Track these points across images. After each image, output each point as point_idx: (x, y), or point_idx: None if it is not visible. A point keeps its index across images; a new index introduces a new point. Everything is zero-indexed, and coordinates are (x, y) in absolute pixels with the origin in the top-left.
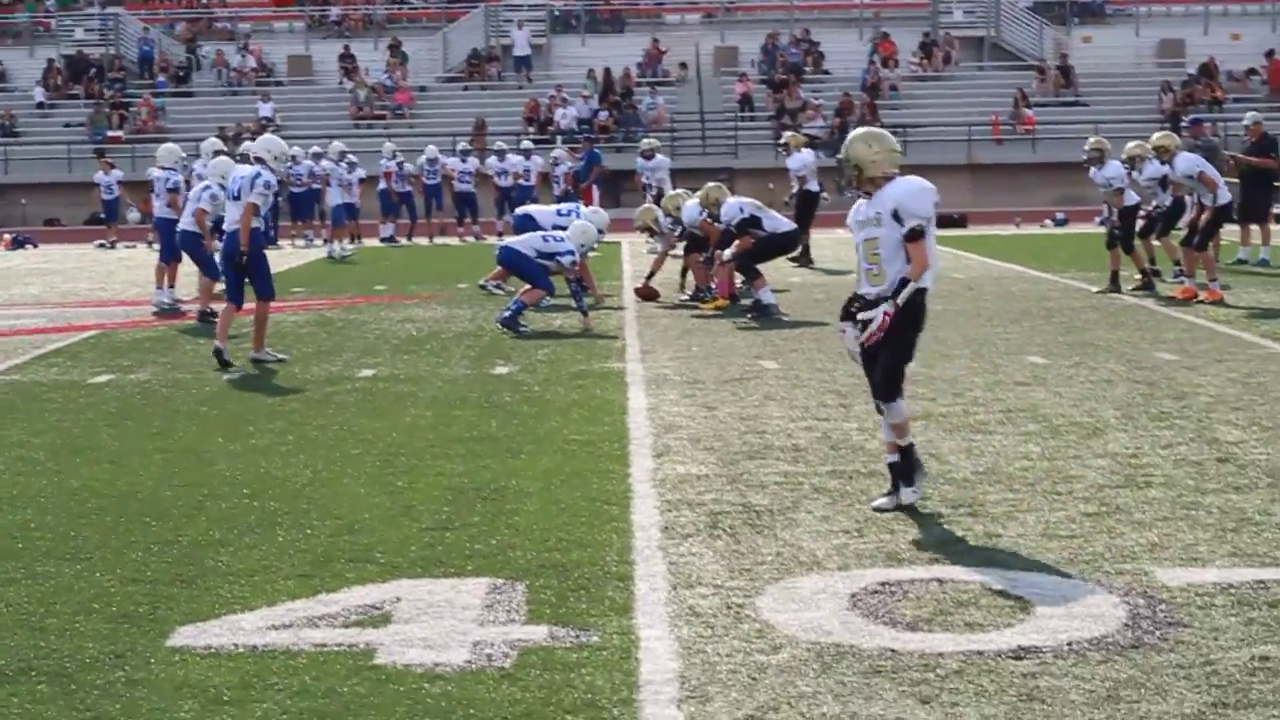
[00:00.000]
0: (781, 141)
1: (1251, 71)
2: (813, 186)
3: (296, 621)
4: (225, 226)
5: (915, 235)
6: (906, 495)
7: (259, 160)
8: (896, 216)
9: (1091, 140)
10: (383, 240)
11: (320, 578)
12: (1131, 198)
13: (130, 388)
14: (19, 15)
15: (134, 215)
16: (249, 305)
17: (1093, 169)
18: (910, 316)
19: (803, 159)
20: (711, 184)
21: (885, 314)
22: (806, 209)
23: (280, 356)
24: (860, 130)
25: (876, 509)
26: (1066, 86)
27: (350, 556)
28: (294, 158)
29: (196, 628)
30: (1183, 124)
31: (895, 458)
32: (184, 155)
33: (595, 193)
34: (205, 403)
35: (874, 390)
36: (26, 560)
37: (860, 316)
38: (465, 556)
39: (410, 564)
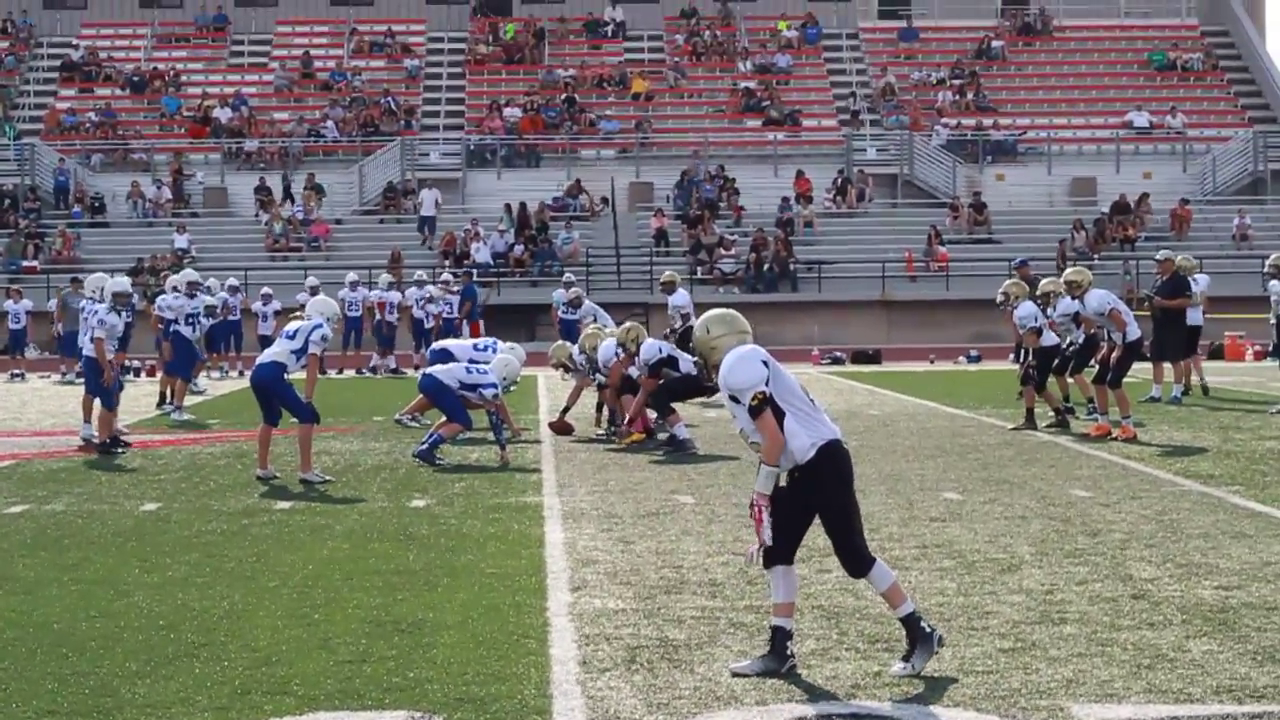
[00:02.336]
0: (662, 281)
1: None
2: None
3: None
4: (260, 358)
5: (754, 412)
6: (899, 667)
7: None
8: (734, 398)
9: (1006, 284)
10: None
11: (237, 710)
12: (1050, 338)
13: (45, 518)
14: None
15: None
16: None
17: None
18: (822, 480)
19: (684, 297)
20: (629, 323)
21: (753, 506)
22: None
23: (327, 478)
24: (708, 314)
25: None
26: (980, 224)
27: (268, 689)
28: (208, 289)
29: None
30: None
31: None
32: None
33: (480, 326)
34: (121, 534)
35: (846, 568)
36: None
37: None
38: (383, 690)
39: (328, 697)
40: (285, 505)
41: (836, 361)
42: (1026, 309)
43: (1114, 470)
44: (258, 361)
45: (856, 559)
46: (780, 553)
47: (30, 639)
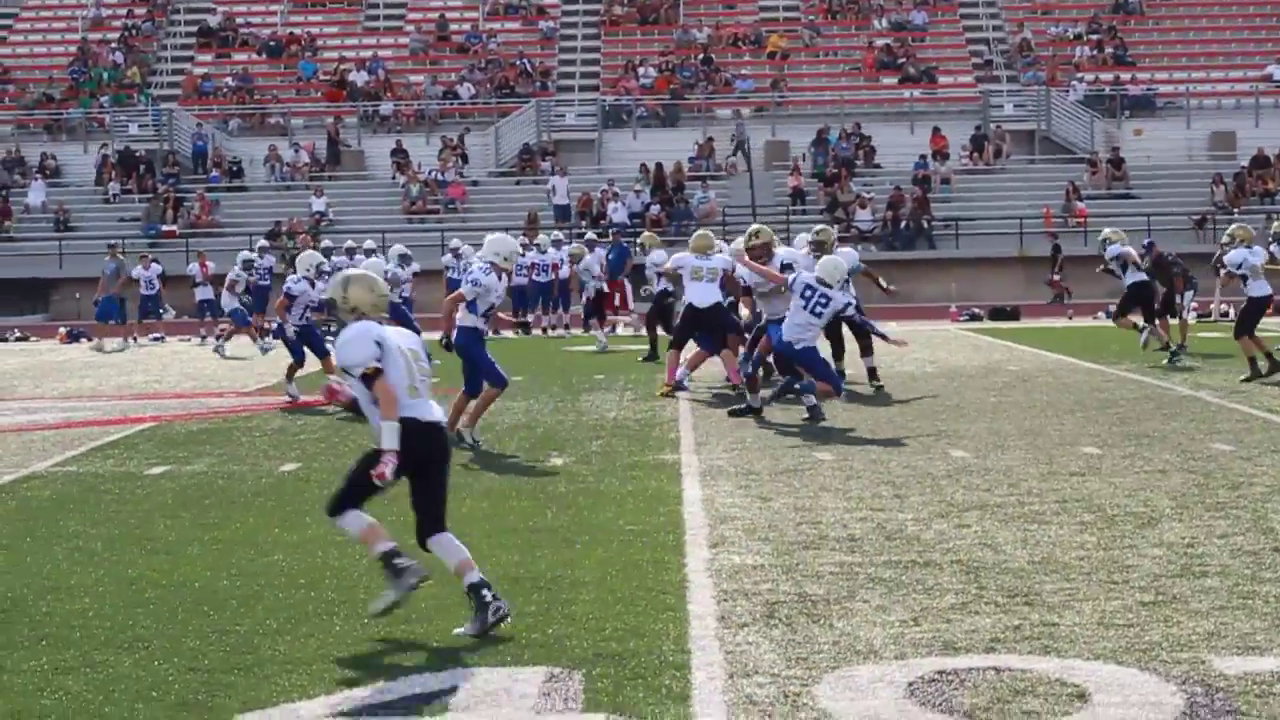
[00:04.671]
0: (639, 241)
1: None
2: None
3: (355, 709)
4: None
5: (368, 382)
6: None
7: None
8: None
9: (1232, 228)
10: None
11: (377, 666)
12: (1263, 287)
13: (186, 479)
14: (73, 111)
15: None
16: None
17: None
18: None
19: (661, 255)
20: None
21: (382, 462)
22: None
23: (479, 442)
24: (349, 272)
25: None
26: (1118, 179)
27: (407, 646)
28: (349, 252)
29: (255, 716)
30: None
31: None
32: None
33: (627, 287)
34: (261, 494)
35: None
36: (84, 649)
37: None
38: (521, 646)
39: (466, 652)
40: None
41: (974, 318)
42: (1238, 254)
43: (1255, 424)
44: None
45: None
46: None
47: (172, 597)
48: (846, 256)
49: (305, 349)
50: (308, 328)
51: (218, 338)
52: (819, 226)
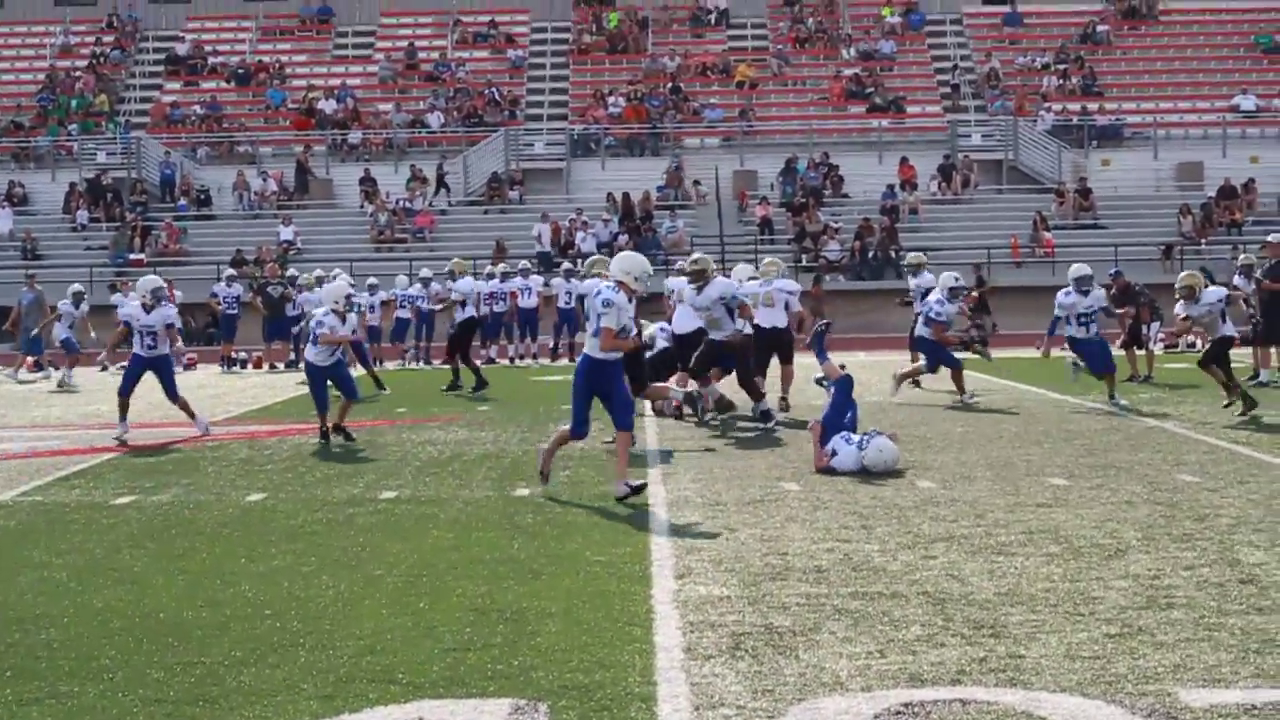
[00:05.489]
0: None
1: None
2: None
3: None
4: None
5: None
6: None
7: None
8: None
9: (1182, 275)
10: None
11: (343, 698)
12: (1229, 328)
13: (152, 509)
14: (41, 139)
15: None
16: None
17: (1183, 303)
18: None
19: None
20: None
21: None
22: None
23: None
24: None
25: None
26: (1086, 209)
27: (373, 677)
28: (319, 280)
29: None
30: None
31: None
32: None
33: None
34: (228, 524)
35: None
36: (49, 680)
37: None
38: (488, 677)
39: (433, 684)
40: (390, 495)
41: None
42: (1212, 294)
43: (1221, 455)
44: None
45: None
46: None
47: (137, 628)
48: (721, 286)
49: (328, 387)
50: (339, 363)
51: (41, 368)
52: (695, 255)
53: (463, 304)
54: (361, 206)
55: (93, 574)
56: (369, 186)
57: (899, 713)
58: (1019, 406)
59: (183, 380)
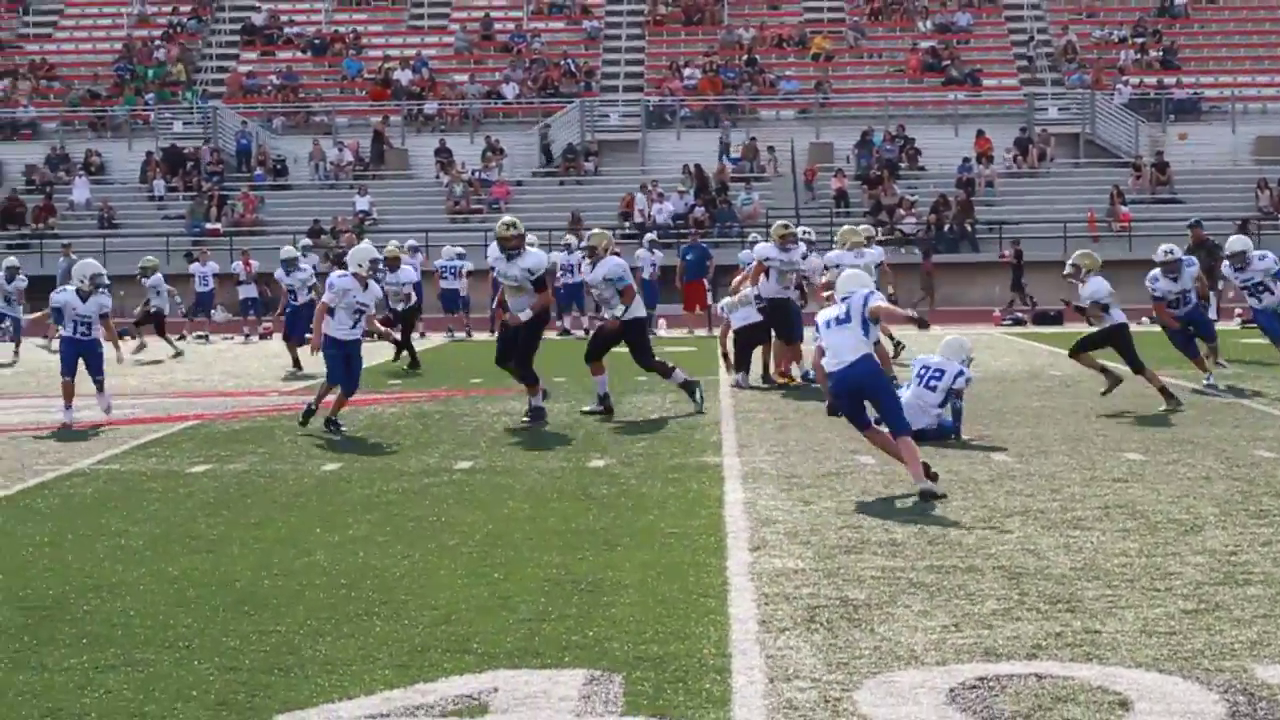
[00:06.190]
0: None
1: None
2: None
3: (394, 711)
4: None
5: None
6: None
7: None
8: None
9: (1077, 256)
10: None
11: (417, 668)
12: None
13: (228, 478)
14: (118, 108)
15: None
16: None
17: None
18: None
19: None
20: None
21: None
22: None
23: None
24: None
25: None
26: (1162, 183)
27: (448, 647)
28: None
29: (294, 716)
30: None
31: None
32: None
33: (705, 285)
34: (302, 494)
35: None
36: (125, 648)
37: None
38: (562, 648)
39: (507, 655)
40: (465, 465)
41: (1018, 322)
42: (1096, 284)
43: None
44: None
45: None
46: None
47: (213, 596)
48: (609, 266)
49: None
50: (357, 343)
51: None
52: (594, 230)
53: (408, 297)
54: (437, 177)
55: (168, 542)
56: (444, 157)
57: (974, 686)
58: (1094, 380)
59: (257, 350)
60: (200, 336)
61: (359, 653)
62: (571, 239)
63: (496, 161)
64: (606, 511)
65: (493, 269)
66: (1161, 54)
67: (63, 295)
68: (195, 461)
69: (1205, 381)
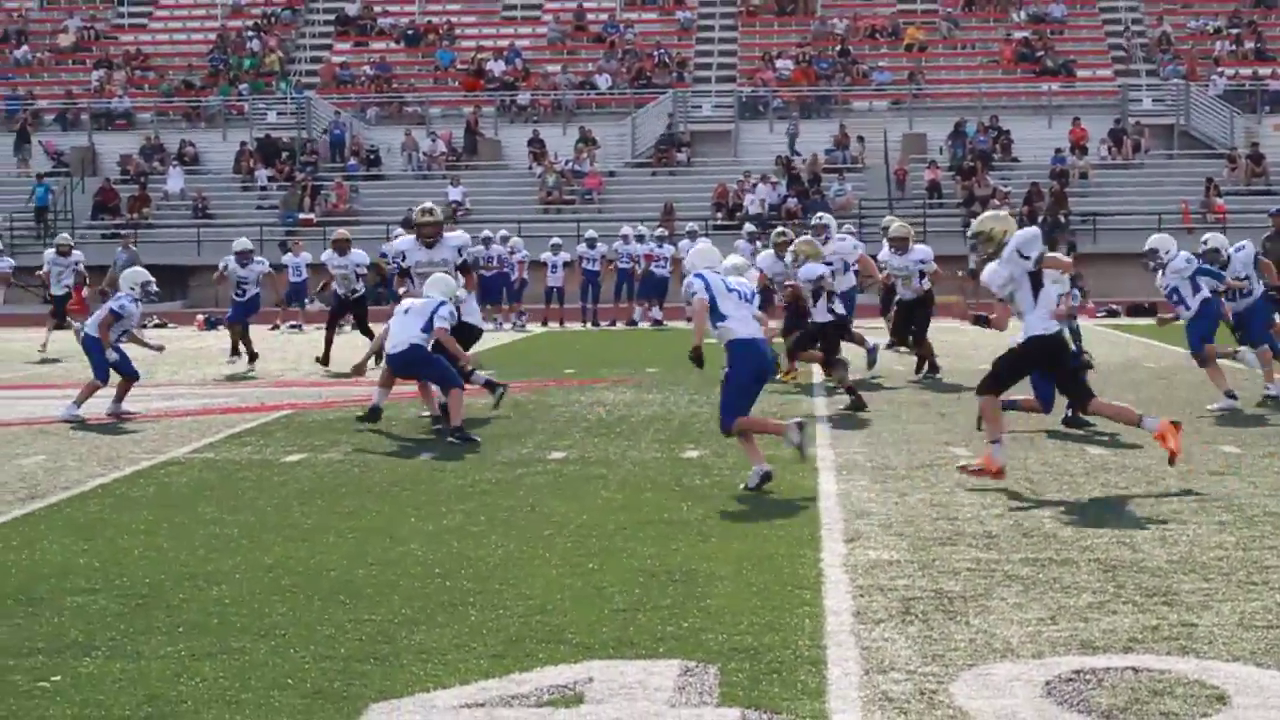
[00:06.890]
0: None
1: None
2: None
3: (489, 700)
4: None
5: None
6: None
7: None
8: None
9: (797, 243)
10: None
11: (513, 657)
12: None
13: (322, 467)
14: (212, 99)
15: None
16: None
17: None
18: None
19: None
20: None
21: None
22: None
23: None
24: None
25: None
26: (1258, 175)
27: (542, 637)
28: (485, 241)
29: (390, 705)
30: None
31: None
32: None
33: None
34: (397, 483)
35: None
36: (221, 636)
37: None
38: (657, 639)
39: (602, 645)
40: (559, 455)
41: (1112, 314)
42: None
43: None
44: None
45: None
46: None
47: (308, 585)
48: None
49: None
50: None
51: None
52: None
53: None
54: (530, 168)
55: (263, 531)
56: (537, 148)
57: (1070, 680)
58: (1191, 373)
59: (347, 340)
60: (294, 326)
61: (454, 642)
62: (629, 229)
63: (589, 152)
64: (700, 502)
65: (391, 261)
66: (1256, 45)
67: (132, 306)
68: (289, 450)
69: (1267, 391)
